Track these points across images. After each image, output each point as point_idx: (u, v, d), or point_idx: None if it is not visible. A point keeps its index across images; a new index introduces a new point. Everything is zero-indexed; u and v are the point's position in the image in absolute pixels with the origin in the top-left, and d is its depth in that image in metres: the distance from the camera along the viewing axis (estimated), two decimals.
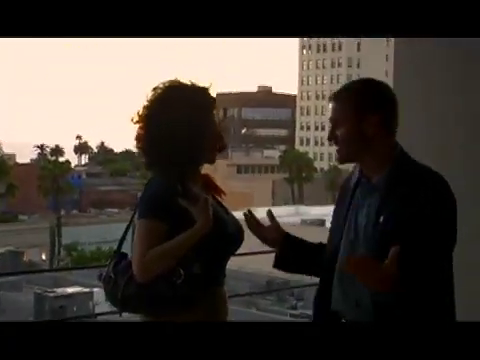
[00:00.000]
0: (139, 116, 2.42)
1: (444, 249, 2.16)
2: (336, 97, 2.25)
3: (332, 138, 2.25)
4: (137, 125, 2.43)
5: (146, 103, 2.43)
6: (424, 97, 3.47)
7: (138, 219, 2.32)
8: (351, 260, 2.04)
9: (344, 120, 2.21)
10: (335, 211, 2.38)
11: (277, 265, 2.48)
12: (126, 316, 2.38)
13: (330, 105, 2.27)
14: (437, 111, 3.49)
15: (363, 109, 2.19)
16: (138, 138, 2.43)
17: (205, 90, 2.44)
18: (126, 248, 2.44)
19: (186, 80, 2.45)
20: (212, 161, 2.47)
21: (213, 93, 2.46)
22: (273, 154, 74.81)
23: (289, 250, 2.46)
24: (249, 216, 2.45)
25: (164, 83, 2.45)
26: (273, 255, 2.51)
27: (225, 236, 2.38)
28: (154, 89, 2.44)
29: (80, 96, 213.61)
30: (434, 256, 2.13)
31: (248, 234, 2.46)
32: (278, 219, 2.52)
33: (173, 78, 2.45)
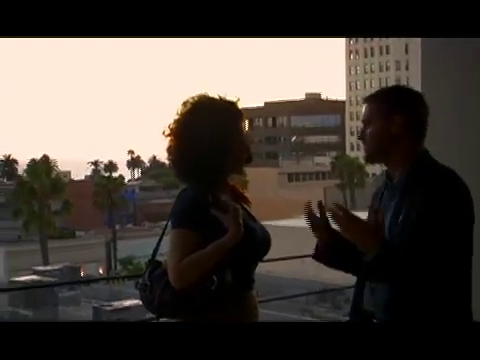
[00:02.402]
0: (170, 129, 2.53)
1: (459, 246, 2.21)
2: (367, 100, 2.42)
3: (362, 137, 2.40)
4: (168, 138, 2.53)
5: (176, 117, 2.53)
6: (453, 98, 3.48)
7: (172, 229, 2.42)
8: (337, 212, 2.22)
9: (373, 120, 2.36)
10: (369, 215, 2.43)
11: (317, 257, 2.48)
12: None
13: (363, 109, 2.42)
14: (465, 112, 3.49)
15: (389, 109, 2.34)
16: (169, 150, 2.53)
17: (233, 103, 2.54)
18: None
19: (215, 94, 2.54)
20: (240, 172, 2.56)
21: (240, 106, 2.55)
22: (324, 161, 74.32)
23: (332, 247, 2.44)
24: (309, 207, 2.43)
25: (193, 97, 2.55)
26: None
27: (255, 244, 2.46)
28: (184, 103, 2.54)
29: (132, 111, 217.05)
30: (448, 253, 2.18)
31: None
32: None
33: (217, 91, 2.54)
